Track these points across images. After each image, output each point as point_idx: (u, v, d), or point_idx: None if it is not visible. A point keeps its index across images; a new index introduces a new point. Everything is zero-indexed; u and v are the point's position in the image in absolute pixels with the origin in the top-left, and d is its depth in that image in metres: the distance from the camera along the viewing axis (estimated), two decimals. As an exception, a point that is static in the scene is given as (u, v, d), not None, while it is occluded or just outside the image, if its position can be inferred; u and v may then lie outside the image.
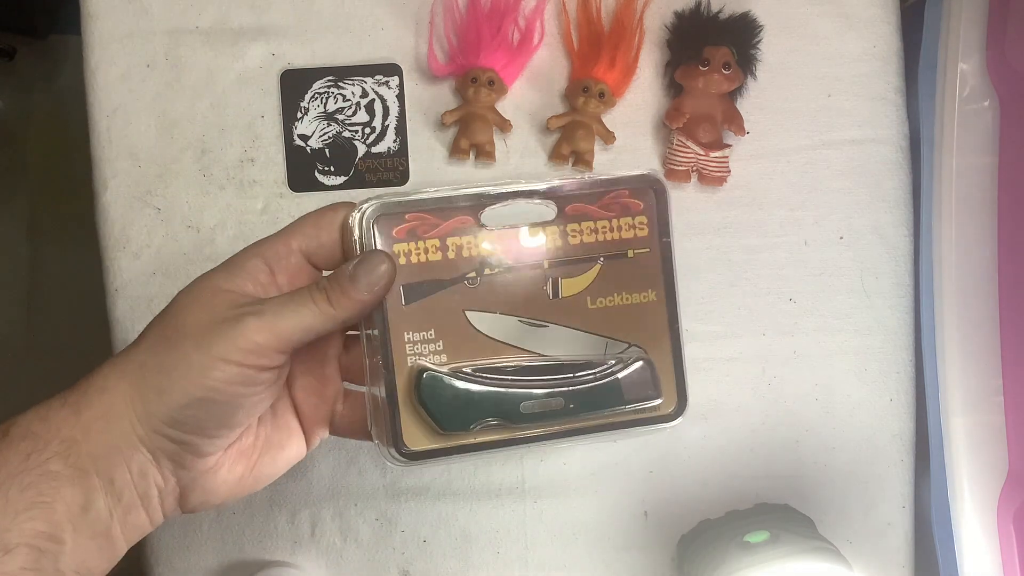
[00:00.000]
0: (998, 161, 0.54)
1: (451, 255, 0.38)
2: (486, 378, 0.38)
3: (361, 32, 0.58)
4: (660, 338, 0.40)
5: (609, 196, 0.39)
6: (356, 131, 0.58)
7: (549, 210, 0.39)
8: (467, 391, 0.38)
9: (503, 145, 0.58)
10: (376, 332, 0.37)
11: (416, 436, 0.38)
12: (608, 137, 0.57)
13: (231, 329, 0.34)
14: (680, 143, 0.56)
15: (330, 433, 0.41)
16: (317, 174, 0.58)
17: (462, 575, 0.58)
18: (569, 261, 0.39)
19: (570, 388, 0.39)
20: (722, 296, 0.58)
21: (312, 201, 0.58)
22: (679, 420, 0.40)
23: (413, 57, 0.58)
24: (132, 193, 0.57)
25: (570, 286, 0.39)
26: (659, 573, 0.58)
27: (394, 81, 0.58)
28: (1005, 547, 0.53)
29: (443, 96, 0.58)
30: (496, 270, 0.38)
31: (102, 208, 0.57)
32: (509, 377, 0.38)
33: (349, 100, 0.58)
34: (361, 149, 0.58)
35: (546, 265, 0.39)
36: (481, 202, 0.38)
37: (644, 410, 0.40)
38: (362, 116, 0.58)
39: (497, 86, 0.56)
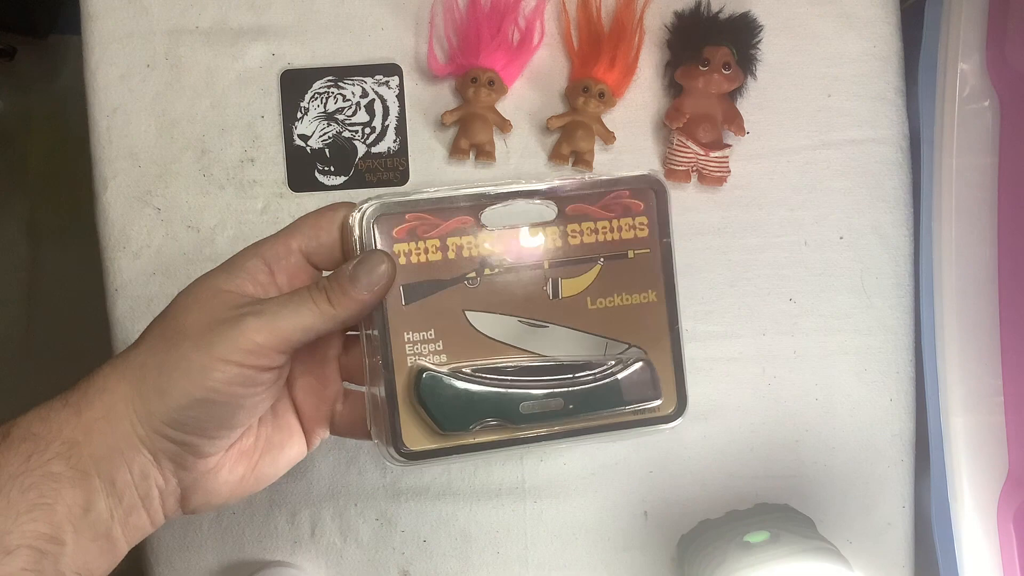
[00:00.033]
0: (998, 161, 0.54)
1: (451, 255, 0.38)
2: (486, 378, 0.38)
3: (361, 32, 0.58)
4: (660, 339, 0.40)
5: (609, 196, 0.39)
6: (356, 131, 0.58)
7: (549, 210, 0.39)
8: (467, 391, 0.38)
9: (503, 145, 0.58)
10: (376, 332, 0.37)
11: (416, 436, 0.38)
12: (608, 137, 0.57)
13: (231, 329, 0.34)
14: (680, 143, 0.56)
15: (330, 433, 0.41)
16: (317, 174, 0.58)
17: (462, 575, 0.58)
18: (569, 261, 0.39)
19: (570, 388, 0.39)
20: (722, 296, 0.58)
21: (312, 201, 0.58)
22: (679, 421, 0.40)
23: (413, 57, 0.58)
24: (132, 193, 0.57)
25: (570, 286, 0.39)
26: (659, 573, 0.58)
27: (394, 81, 0.58)
28: (1005, 547, 0.53)
29: (443, 96, 0.58)
30: (496, 270, 0.38)
31: (102, 208, 0.57)
32: (509, 377, 0.38)
33: (349, 100, 0.58)
34: (361, 149, 0.58)
35: (546, 265, 0.39)
36: (481, 202, 0.38)
37: (644, 411, 0.40)
38: (362, 116, 0.58)
39: (497, 86, 0.56)
